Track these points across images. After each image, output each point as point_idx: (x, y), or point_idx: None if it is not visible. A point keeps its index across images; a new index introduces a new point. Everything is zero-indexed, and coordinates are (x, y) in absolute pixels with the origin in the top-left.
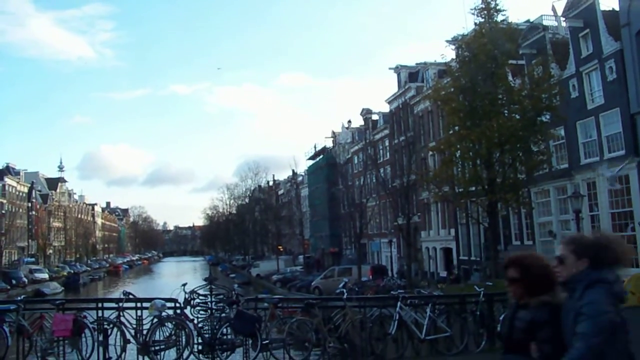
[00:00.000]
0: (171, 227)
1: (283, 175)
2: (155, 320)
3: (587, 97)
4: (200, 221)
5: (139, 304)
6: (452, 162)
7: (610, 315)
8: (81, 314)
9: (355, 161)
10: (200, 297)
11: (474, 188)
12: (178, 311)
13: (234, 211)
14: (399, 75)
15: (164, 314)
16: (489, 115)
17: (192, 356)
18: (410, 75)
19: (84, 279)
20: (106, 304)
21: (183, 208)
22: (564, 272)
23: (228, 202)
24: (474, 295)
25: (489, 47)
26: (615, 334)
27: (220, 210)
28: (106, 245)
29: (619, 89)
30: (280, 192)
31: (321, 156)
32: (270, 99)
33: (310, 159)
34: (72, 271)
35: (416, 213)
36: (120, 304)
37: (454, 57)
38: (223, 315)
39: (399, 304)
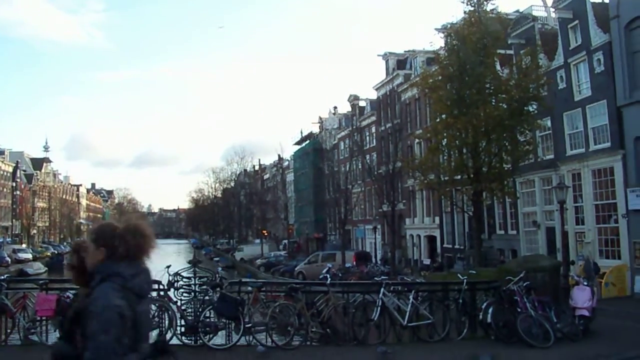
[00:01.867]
0: (156, 210)
1: (269, 160)
2: None
3: (575, 89)
4: (185, 204)
5: None
6: (439, 150)
7: (117, 310)
8: (64, 294)
9: (342, 147)
10: (184, 280)
11: (459, 176)
12: (162, 293)
13: (219, 195)
14: (387, 62)
15: None
16: (476, 104)
17: (174, 338)
18: (399, 63)
19: (67, 260)
20: None
21: (168, 191)
22: (88, 262)
23: (214, 186)
24: (457, 283)
25: (478, 36)
26: (126, 328)
27: (206, 193)
28: (90, 227)
29: (607, 81)
30: (266, 176)
31: (307, 141)
32: (259, 84)
33: (296, 144)
34: (55, 252)
35: (401, 200)
36: None
37: (443, 45)
38: (206, 298)
39: (382, 290)
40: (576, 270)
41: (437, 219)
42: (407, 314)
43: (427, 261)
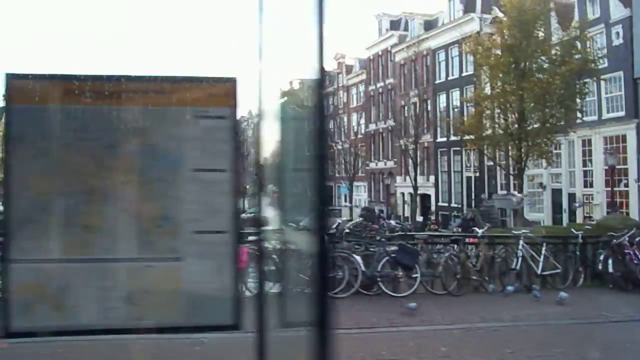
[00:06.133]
0: None
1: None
2: None
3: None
4: None
5: None
6: (488, 114)
7: None
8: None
9: (325, 104)
10: (356, 232)
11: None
12: (337, 244)
13: None
14: (380, 22)
15: None
16: (533, 74)
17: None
18: (392, 24)
19: None
20: None
21: None
22: None
23: None
24: (574, 237)
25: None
26: None
27: None
28: None
29: (625, 53)
30: None
31: (285, 98)
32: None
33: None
34: None
35: (392, 158)
36: None
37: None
38: (382, 249)
39: (521, 242)
40: None
41: (431, 177)
42: (541, 263)
43: (419, 219)
